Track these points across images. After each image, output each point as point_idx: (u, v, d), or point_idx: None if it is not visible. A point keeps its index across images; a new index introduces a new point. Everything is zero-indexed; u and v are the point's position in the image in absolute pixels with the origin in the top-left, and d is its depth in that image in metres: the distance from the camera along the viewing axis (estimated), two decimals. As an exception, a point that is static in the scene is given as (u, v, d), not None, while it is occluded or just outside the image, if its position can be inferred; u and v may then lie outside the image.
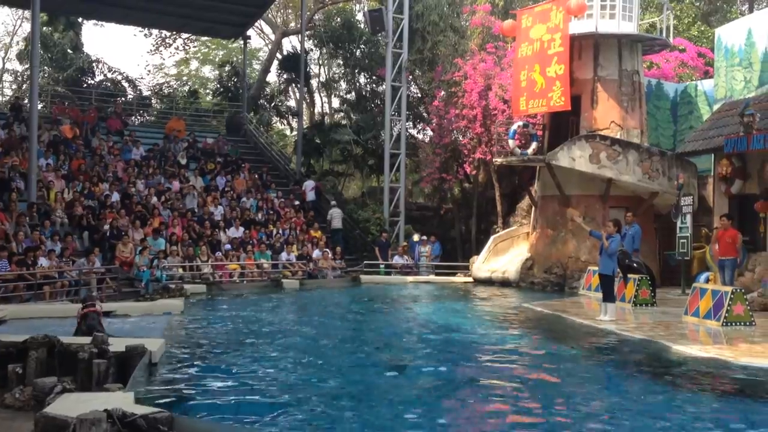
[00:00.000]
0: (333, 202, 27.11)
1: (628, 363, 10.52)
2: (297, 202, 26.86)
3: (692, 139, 19.98)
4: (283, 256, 22.80)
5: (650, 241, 20.48)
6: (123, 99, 34.19)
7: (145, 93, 39.44)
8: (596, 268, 19.10)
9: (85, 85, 34.84)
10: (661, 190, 20.01)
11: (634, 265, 16.09)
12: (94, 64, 36.53)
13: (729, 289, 13.51)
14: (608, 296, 14.24)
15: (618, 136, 20.48)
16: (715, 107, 20.47)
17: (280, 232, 24.21)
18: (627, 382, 9.22)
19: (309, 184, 28.14)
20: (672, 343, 11.39)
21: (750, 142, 16.34)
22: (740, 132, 16.72)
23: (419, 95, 31.66)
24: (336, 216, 26.09)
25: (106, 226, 20.35)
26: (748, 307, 13.31)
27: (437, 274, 23.98)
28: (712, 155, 19.59)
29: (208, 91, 44.75)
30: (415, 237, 25.46)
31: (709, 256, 18.08)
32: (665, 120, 23.92)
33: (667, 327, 13.31)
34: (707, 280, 16.67)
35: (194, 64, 48.34)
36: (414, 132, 33.14)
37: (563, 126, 21.46)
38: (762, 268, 16.39)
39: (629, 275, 16.33)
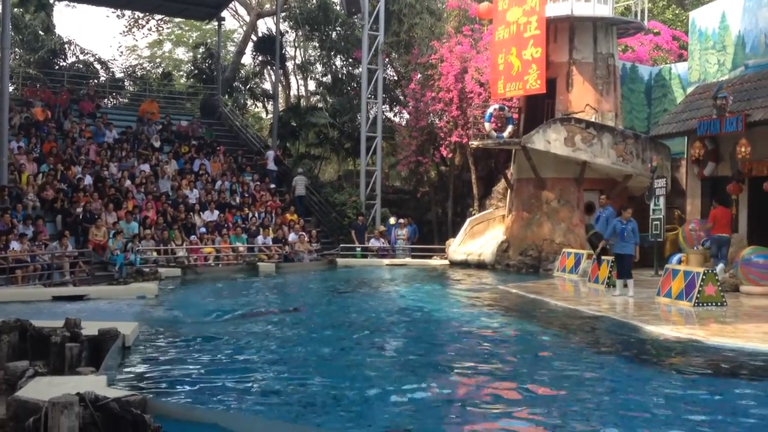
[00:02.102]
0: (300, 170, 27.77)
1: (601, 343, 10.62)
2: (272, 185, 26.78)
3: (666, 122, 20.14)
4: (259, 239, 22.72)
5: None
6: (95, 81, 33.77)
7: (118, 75, 39.00)
8: (570, 251, 19.39)
9: (56, 67, 34.33)
10: (635, 172, 20.15)
11: (608, 247, 16.21)
12: (66, 46, 36.01)
13: (701, 270, 13.68)
14: (627, 274, 14.89)
15: (593, 119, 20.57)
16: (689, 90, 20.64)
17: (256, 215, 24.11)
18: (599, 362, 9.31)
19: (270, 154, 28.26)
20: (644, 324, 11.52)
21: (723, 124, 16.50)
22: (713, 115, 16.87)
23: (395, 78, 31.58)
24: (300, 183, 26.64)
25: (79, 210, 20.15)
26: (720, 288, 13.48)
27: (413, 257, 24.03)
28: (686, 138, 19.78)
29: (182, 73, 44.32)
30: (392, 220, 25.49)
31: (682, 237, 18.28)
32: (639, 103, 24.06)
33: (639, 308, 13.46)
34: (680, 262, 16.90)
35: (168, 46, 47.84)
36: (390, 115, 33.11)
37: (539, 109, 21.50)
38: (734, 249, 16.59)
39: (602, 256, 16.49)
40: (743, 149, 16.10)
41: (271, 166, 27.87)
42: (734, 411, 7.18)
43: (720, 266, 15.73)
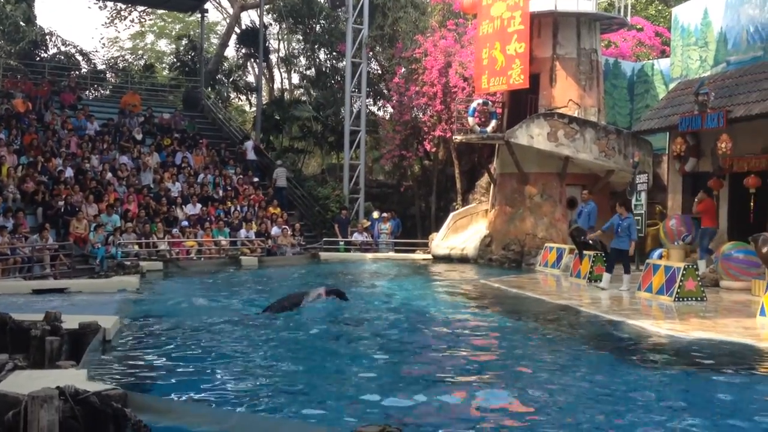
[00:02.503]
0: (279, 162, 27.83)
1: (582, 337, 10.67)
2: (255, 179, 26.68)
3: (648, 118, 20.24)
4: (242, 233, 22.63)
5: (606, 218, 20.61)
6: (77, 73, 33.46)
7: (100, 67, 38.65)
8: (552, 245, 19.49)
9: (38, 58, 33.97)
10: (617, 167, 20.28)
11: (590, 242, 16.32)
12: (47, 37, 35.62)
13: (681, 265, 13.78)
14: (625, 269, 14.98)
15: (576, 115, 20.67)
16: (671, 86, 20.75)
17: (239, 209, 24.02)
18: (578, 356, 9.36)
19: (249, 144, 28.22)
20: (625, 318, 11.60)
21: (704, 120, 16.59)
22: (695, 111, 16.97)
23: (379, 72, 31.52)
24: (281, 175, 26.63)
25: (60, 202, 19.99)
26: (700, 283, 13.58)
27: (396, 251, 24.04)
28: (667, 134, 19.88)
29: (164, 65, 44.01)
30: (375, 214, 25.47)
31: (663, 233, 18.40)
32: (622, 98, 24.19)
33: (620, 302, 13.56)
34: (661, 257, 17.02)
35: (150, 38, 47.49)
36: (374, 109, 33.06)
37: (522, 104, 21.56)
38: (714, 244, 16.72)
39: (585, 252, 16.58)
40: (724, 145, 16.21)
41: (251, 155, 27.80)
42: (712, 404, 7.24)
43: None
